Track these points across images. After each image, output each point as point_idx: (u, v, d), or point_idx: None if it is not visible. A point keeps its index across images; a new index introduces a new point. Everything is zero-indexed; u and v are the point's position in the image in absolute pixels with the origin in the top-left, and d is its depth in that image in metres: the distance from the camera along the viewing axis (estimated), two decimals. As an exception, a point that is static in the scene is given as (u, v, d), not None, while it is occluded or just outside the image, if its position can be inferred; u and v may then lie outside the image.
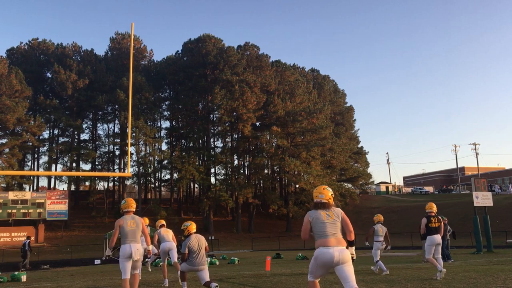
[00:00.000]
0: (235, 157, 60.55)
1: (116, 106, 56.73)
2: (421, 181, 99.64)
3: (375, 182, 79.57)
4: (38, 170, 57.52)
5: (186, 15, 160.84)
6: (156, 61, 63.91)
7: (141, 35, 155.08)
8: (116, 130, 59.70)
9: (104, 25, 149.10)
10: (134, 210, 7.72)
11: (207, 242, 8.81)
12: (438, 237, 10.01)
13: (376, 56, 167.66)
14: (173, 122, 63.02)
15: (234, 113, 54.58)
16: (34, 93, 54.68)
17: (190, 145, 59.66)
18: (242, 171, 60.14)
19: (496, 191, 57.83)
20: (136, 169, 54.33)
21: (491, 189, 46.82)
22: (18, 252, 34.08)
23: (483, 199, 23.18)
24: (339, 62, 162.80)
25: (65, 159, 57.95)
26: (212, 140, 60.17)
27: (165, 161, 57.10)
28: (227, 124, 56.84)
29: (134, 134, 51.36)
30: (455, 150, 74.59)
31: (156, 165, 57.73)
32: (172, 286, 10.22)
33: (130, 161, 48.32)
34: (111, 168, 60.91)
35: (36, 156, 58.70)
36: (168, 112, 62.24)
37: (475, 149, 74.62)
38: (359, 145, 75.06)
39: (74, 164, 56.18)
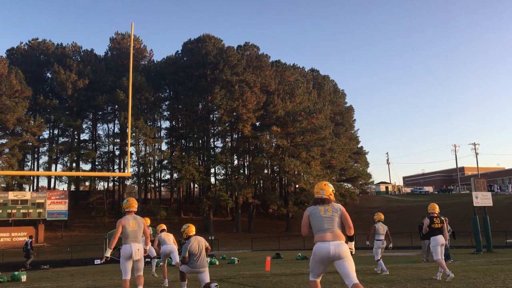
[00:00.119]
0: (235, 157, 60.57)
1: (116, 106, 56.75)
2: (421, 181, 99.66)
3: (375, 182, 79.67)
4: (38, 170, 57.55)
5: (186, 15, 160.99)
6: (156, 61, 64.02)
7: (141, 35, 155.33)
8: (116, 130, 59.76)
9: (104, 25, 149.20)
10: (136, 210, 7.72)
11: (207, 242, 8.81)
12: (442, 238, 9.99)
13: (376, 56, 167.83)
14: (173, 122, 63.03)
15: (234, 113, 54.61)
16: (34, 93, 54.69)
17: (190, 145, 59.69)
18: (242, 171, 60.16)
19: (496, 191, 57.85)
20: (136, 169, 54.35)
21: (490, 189, 46.85)
22: (18, 252, 34.15)
23: (482, 199, 23.21)
24: (339, 62, 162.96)
25: (65, 159, 57.99)
26: (212, 140, 60.21)
27: (165, 161, 57.14)
28: (227, 124, 56.86)
29: (134, 134, 51.38)
30: (455, 150, 74.60)
31: (156, 165, 57.75)
32: (172, 286, 10.24)
33: (130, 161, 48.32)
34: (111, 168, 60.94)
35: (36, 156, 58.73)
36: (168, 112, 62.25)
37: (475, 149, 74.65)
38: (359, 145, 75.12)
39: (74, 164, 56.19)
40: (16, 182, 50.27)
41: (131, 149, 50.33)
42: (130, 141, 14.35)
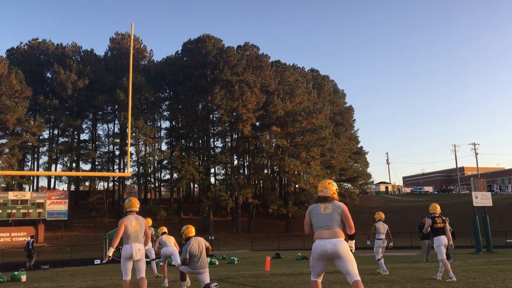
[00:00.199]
0: (235, 157, 60.55)
1: (116, 106, 56.76)
2: (421, 181, 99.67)
3: (375, 182, 79.67)
4: (38, 170, 57.54)
5: (186, 15, 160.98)
6: (156, 61, 64.02)
7: (141, 35, 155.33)
8: (116, 130, 59.76)
9: (104, 25, 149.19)
10: (138, 210, 7.70)
11: (207, 242, 8.81)
12: (445, 238, 9.98)
13: (376, 56, 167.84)
14: (173, 122, 63.03)
15: (234, 113, 54.61)
16: (34, 93, 54.69)
17: (190, 145, 59.70)
18: (242, 171, 60.16)
19: (496, 191, 57.85)
20: (136, 169, 54.36)
21: (490, 189, 46.85)
22: (17, 252, 34.19)
23: (482, 199, 23.22)
24: (339, 62, 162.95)
25: (65, 159, 57.98)
26: (212, 140, 60.22)
27: (165, 161, 57.14)
28: (227, 124, 56.86)
29: (134, 134, 51.38)
30: (455, 150, 74.62)
31: (156, 165, 57.76)
32: (172, 286, 10.26)
33: (130, 161, 48.24)
34: (111, 168, 60.93)
35: (36, 156, 58.73)
36: (168, 112, 62.26)
37: (475, 149, 74.66)
38: (359, 145, 75.10)
39: (74, 164, 56.18)
40: (16, 182, 50.26)
41: (131, 149, 50.37)
42: (130, 141, 14.35)
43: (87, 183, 61.05)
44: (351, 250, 5.30)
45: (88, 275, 16.17)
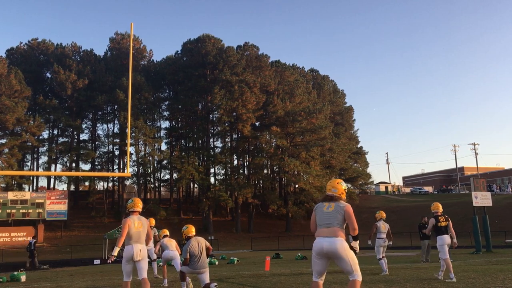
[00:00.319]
0: (235, 157, 60.54)
1: (116, 106, 56.73)
2: (421, 181, 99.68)
3: (375, 182, 79.70)
4: (37, 170, 57.51)
5: (186, 15, 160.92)
6: (156, 61, 63.97)
7: (141, 35, 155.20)
8: (116, 130, 59.75)
9: (104, 25, 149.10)
10: (140, 210, 7.68)
11: (207, 242, 8.80)
12: (448, 237, 9.94)
13: (376, 56, 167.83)
14: (173, 122, 63.02)
15: (234, 113, 54.61)
16: (34, 93, 54.66)
17: (190, 145, 59.69)
18: (241, 171, 60.15)
19: (495, 191, 57.86)
20: (136, 169, 54.35)
21: (490, 189, 46.87)
22: (17, 252, 34.20)
23: (482, 199, 23.23)
24: (338, 62, 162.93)
25: (65, 159, 57.95)
26: (211, 140, 60.20)
27: (165, 161, 57.14)
28: (226, 124, 56.86)
29: (133, 134, 51.38)
30: (455, 150, 74.62)
31: (155, 165, 57.72)
32: (171, 286, 10.26)
33: (130, 161, 48.40)
34: (111, 168, 60.90)
35: (35, 156, 58.70)
36: (168, 112, 62.25)
37: (475, 149, 74.67)
38: (359, 145, 75.12)
39: (73, 164, 56.15)
40: (15, 182, 50.25)
41: (130, 149, 50.45)
42: (129, 141, 14.35)
43: (86, 183, 61.03)
44: (355, 251, 5.29)
45: (87, 275, 16.17)
